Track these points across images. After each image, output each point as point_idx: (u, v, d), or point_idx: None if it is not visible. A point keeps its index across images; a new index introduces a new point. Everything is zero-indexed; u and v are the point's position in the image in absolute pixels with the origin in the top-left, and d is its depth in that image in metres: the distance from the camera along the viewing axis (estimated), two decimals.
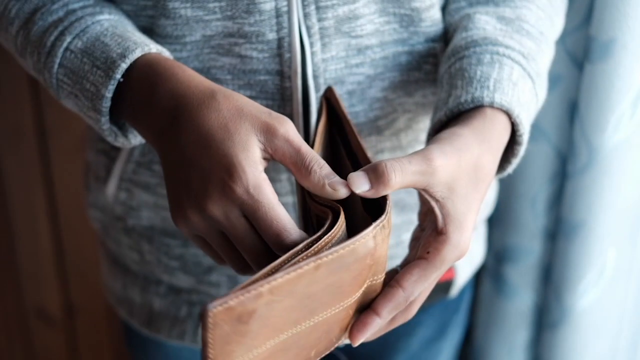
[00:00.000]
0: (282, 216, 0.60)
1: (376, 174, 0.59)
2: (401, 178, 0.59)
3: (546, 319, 1.13)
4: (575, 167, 1.01)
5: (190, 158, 0.62)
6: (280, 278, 0.54)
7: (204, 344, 0.53)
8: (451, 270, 0.94)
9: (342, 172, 0.61)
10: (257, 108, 0.62)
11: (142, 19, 0.75)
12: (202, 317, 0.52)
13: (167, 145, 0.64)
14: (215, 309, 0.52)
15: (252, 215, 0.60)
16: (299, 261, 0.56)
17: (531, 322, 1.17)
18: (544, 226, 1.10)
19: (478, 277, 1.20)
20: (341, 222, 0.58)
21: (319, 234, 0.58)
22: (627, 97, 0.94)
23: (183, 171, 0.62)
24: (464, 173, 0.63)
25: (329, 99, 0.71)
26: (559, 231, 1.07)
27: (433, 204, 0.63)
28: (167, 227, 0.86)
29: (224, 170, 0.60)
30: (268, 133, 0.61)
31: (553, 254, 1.10)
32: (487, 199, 0.96)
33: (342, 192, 0.59)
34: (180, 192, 0.63)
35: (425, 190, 0.62)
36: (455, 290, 0.97)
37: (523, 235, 1.12)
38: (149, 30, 0.75)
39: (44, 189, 1.39)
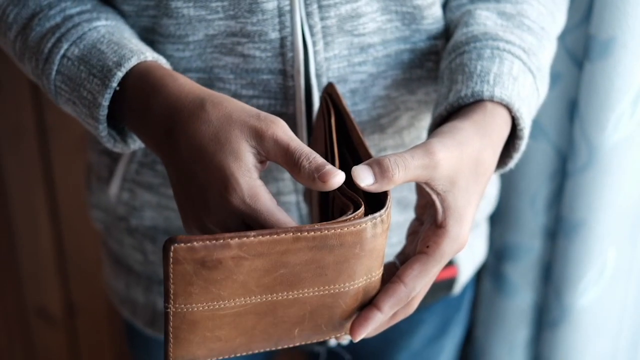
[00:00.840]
0: (282, 221, 0.60)
1: (381, 169, 0.59)
2: (404, 173, 0.59)
3: (546, 317, 1.14)
4: (575, 165, 1.01)
5: (188, 171, 0.62)
6: (252, 237, 0.55)
7: (165, 277, 0.55)
8: (454, 267, 0.94)
9: (345, 169, 0.62)
10: (246, 112, 0.62)
11: (144, 19, 0.75)
12: (164, 250, 0.53)
13: (167, 155, 0.64)
14: (178, 245, 0.53)
15: (253, 223, 0.60)
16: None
17: (531, 321, 1.17)
18: (544, 225, 1.11)
19: (479, 276, 1.20)
20: (359, 213, 0.58)
21: (332, 221, 0.58)
22: (627, 96, 0.94)
23: (183, 184, 0.63)
24: (465, 166, 0.63)
25: (330, 94, 0.71)
26: (559, 230, 1.07)
27: (434, 197, 0.63)
28: (170, 227, 0.87)
29: (219, 183, 0.60)
30: (257, 137, 0.61)
31: (553, 253, 1.10)
32: (489, 197, 0.96)
33: (333, 183, 0.58)
34: (185, 204, 0.64)
35: (427, 183, 0.62)
36: (458, 288, 0.97)
37: (523, 233, 1.12)
38: (151, 30, 0.75)
39: (45, 189, 1.39)
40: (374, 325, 0.62)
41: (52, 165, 1.38)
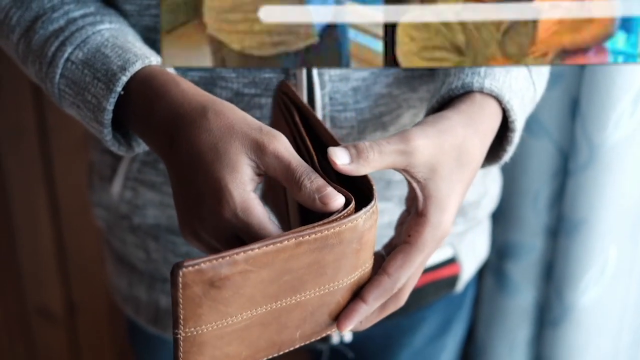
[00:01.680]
0: (274, 233, 0.60)
1: (357, 150, 0.60)
2: (380, 156, 0.60)
3: (547, 316, 1.14)
4: (576, 164, 1.01)
5: (186, 179, 0.62)
6: (257, 249, 0.54)
7: (174, 303, 0.53)
8: (456, 265, 0.94)
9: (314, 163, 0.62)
10: (248, 124, 0.61)
11: (146, 18, 0.75)
12: (172, 276, 0.52)
13: (169, 160, 0.65)
14: (186, 269, 0.52)
15: (245, 236, 0.60)
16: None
17: (532, 319, 1.18)
18: (545, 223, 1.11)
19: (480, 274, 1.20)
20: (349, 210, 0.58)
21: (324, 220, 0.58)
22: (628, 95, 0.94)
23: (181, 189, 0.63)
24: (447, 155, 0.63)
25: (286, 93, 0.71)
26: (561, 228, 1.07)
27: (414, 184, 0.63)
28: (173, 225, 0.87)
29: (213, 195, 0.60)
30: (258, 150, 0.60)
31: (554, 251, 1.10)
32: (491, 194, 0.96)
33: (333, 206, 0.58)
34: (182, 209, 0.64)
35: (406, 170, 0.62)
36: (460, 286, 0.97)
37: (525, 232, 1.12)
38: (153, 29, 0.75)
39: (46, 188, 1.39)
40: (360, 317, 0.63)
41: (53, 165, 1.38)
